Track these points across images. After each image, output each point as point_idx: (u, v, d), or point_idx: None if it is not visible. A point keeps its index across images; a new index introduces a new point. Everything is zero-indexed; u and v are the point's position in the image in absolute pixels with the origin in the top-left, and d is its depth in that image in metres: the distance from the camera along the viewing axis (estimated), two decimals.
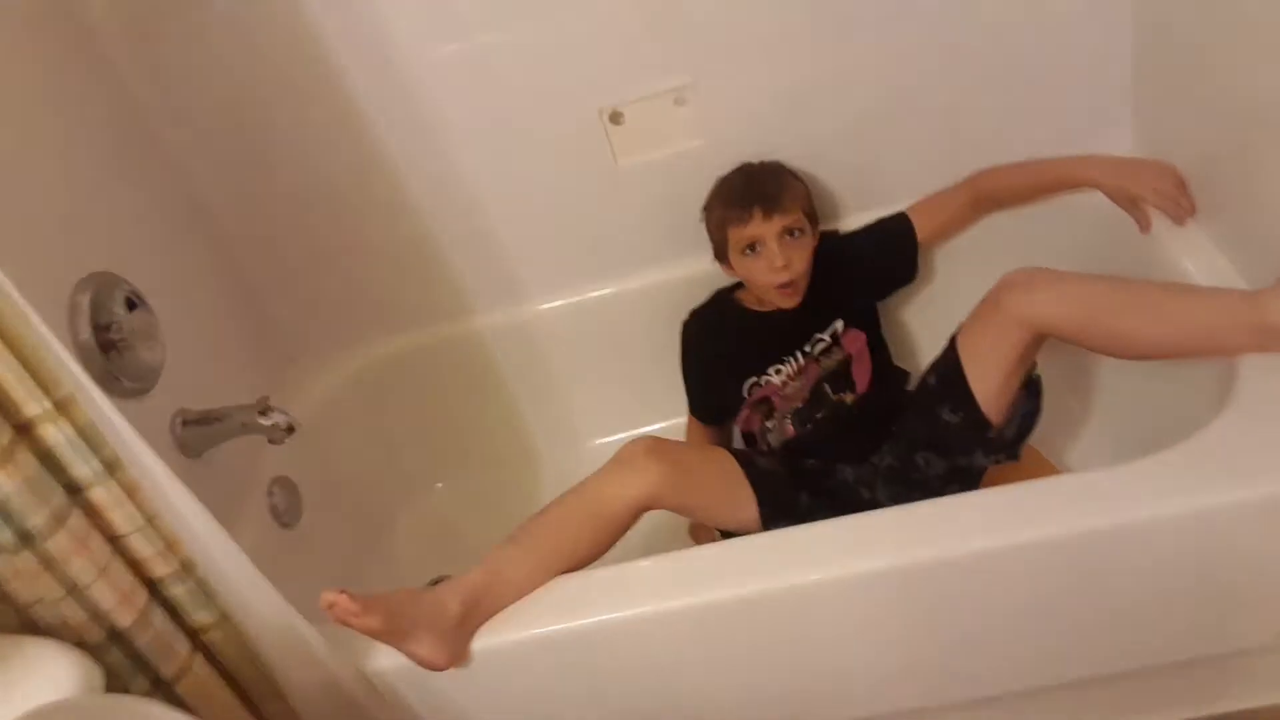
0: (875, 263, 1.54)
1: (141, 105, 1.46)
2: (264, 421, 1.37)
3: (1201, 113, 1.32)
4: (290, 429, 1.38)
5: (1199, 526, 1.04)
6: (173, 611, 1.03)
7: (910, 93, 1.50)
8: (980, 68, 1.47)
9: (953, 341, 1.29)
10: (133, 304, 1.33)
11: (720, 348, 1.54)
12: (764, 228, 1.40)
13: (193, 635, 1.05)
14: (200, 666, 1.03)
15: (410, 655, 1.06)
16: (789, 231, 1.42)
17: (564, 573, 1.14)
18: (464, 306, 1.69)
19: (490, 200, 1.57)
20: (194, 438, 1.37)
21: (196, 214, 1.55)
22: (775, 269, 1.41)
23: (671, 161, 1.54)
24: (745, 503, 1.27)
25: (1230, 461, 1.04)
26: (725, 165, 1.51)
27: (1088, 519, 1.04)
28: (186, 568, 1.03)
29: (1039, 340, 1.23)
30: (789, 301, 1.45)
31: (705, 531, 1.49)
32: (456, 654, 1.08)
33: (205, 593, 1.04)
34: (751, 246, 1.42)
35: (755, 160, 1.51)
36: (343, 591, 1.00)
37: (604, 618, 1.09)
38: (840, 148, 1.54)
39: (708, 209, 1.51)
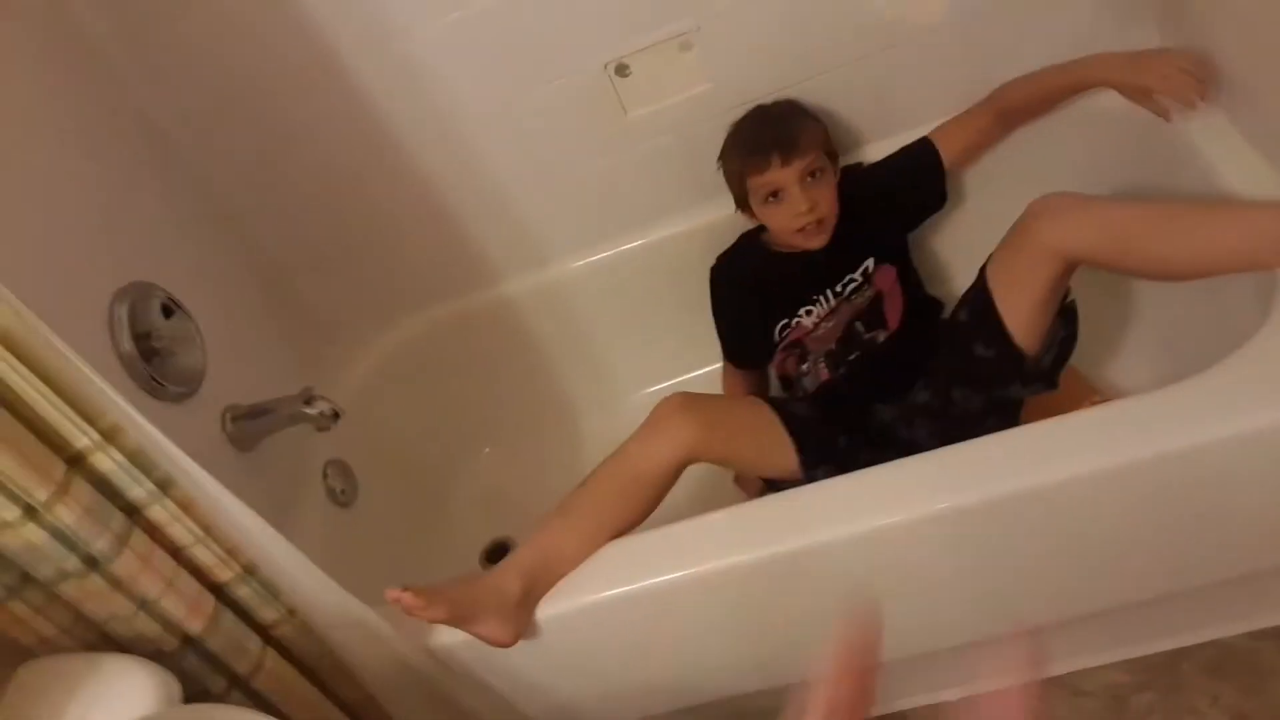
0: (902, 194, 1.50)
1: (149, 112, 1.47)
2: (310, 411, 1.40)
3: (1229, 8, 1.25)
4: (336, 415, 1.41)
5: (1245, 447, 1.02)
6: (241, 612, 1.07)
7: (928, 11, 1.43)
8: None
9: (982, 273, 1.27)
10: (168, 310, 1.36)
11: (749, 292, 1.53)
12: (783, 174, 1.37)
13: (263, 632, 1.10)
14: (273, 661, 1.08)
15: (478, 636, 1.10)
16: (810, 174, 1.38)
17: (616, 536, 1.17)
18: (491, 275, 1.69)
19: (505, 167, 1.57)
20: (245, 432, 1.41)
21: (219, 213, 1.57)
22: (800, 214, 1.38)
23: (682, 108, 1.51)
24: (784, 450, 1.27)
25: (1273, 378, 1.02)
26: (736, 106, 1.48)
27: (1132, 449, 1.02)
28: (249, 570, 1.07)
29: (1071, 268, 1.20)
30: (817, 243, 1.42)
31: (750, 481, 1.51)
32: (520, 630, 1.11)
33: (270, 591, 1.09)
34: (774, 194, 1.39)
35: (767, 100, 1.47)
36: (406, 589, 1.03)
37: (652, 581, 1.12)
38: (854, 74, 1.49)
39: (724, 158, 1.48)
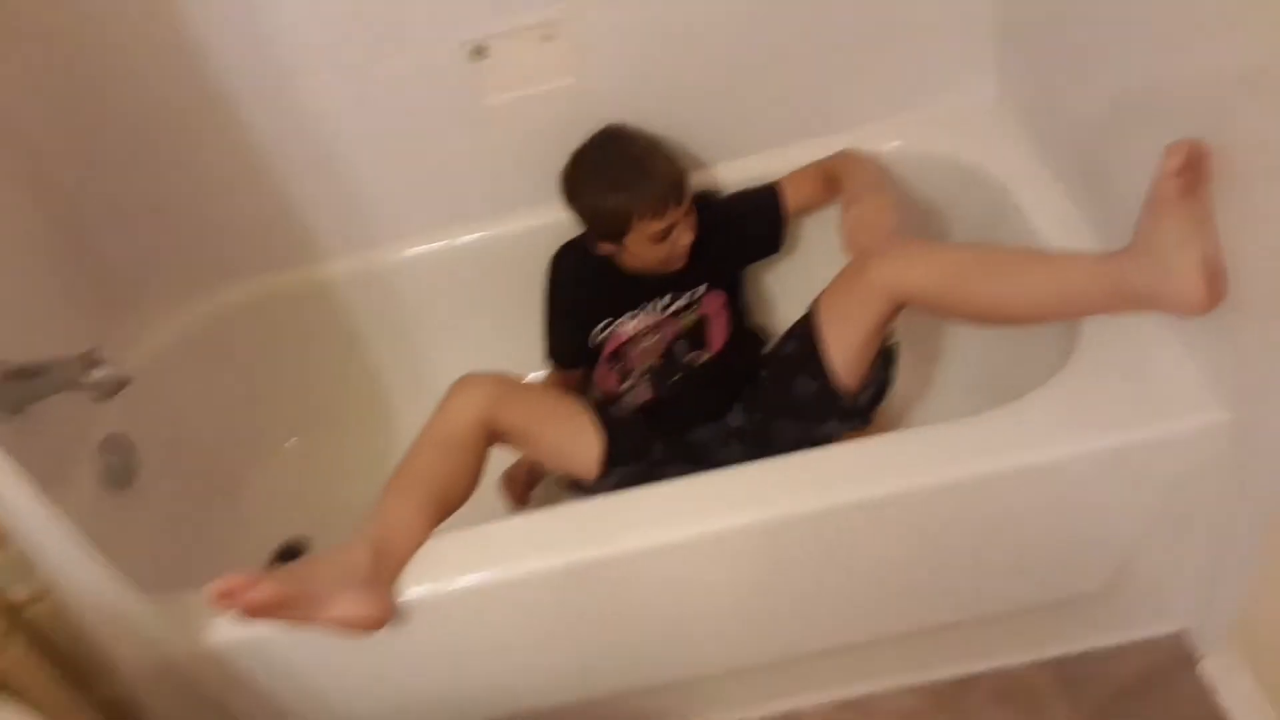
0: (744, 234, 1.52)
1: None
2: (89, 376, 1.26)
3: (1063, 69, 1.34)
4: (121, 384, 1.27)
5: (1034, 479, 1.09)
6: None
7: (782, 36, 1.47)
8: (856, 18, 1.46)
9: (812, 308, 1.30)
10: None
11: (582, 285, 1.51)
12: (676, 215, 1.37)
13: (9, 613, 0.96)
14: (18, 645, 0.95)
15: (339, 621, 0.99)
16: (688, 214, 1.40)
17: (447, 509, 1.15)
18: (318, 251, 1.59)
19: (345, 136, 1.47)
20: (12, 393, 1.24)
21: (15, 143, 1.39)
22: (683, 252, 1.40)
23: (540, 101, 1.47)
24: (589, 442, 1.28)
25: (1064, 417, 1.09)
26: (596, 105, 1.45)
27: (925, 474, 1.07)
28: (2, 538, 0.93)
29: (897, 309, 1.24)
30: (679, 266, 1.43)
31: (516, 482, 1.52)
32: (386, 606, 1.03)
33: (24, 565, 0.95)
34: (665, 235, 1.37)
35: (612, 124, 1.45)
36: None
37: (458, 585, 1.07)
38: (710, 92, 1.51)
39: (582, 195, 1.42)
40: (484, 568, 1.07)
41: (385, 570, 1.06)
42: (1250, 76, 0.94)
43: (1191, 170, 1.00)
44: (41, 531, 0.94)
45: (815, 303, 1.30)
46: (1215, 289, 1.01)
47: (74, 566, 0.96)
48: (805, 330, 1.29)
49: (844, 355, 1.26)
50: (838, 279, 1.29)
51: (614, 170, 1.39)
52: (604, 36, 1.43)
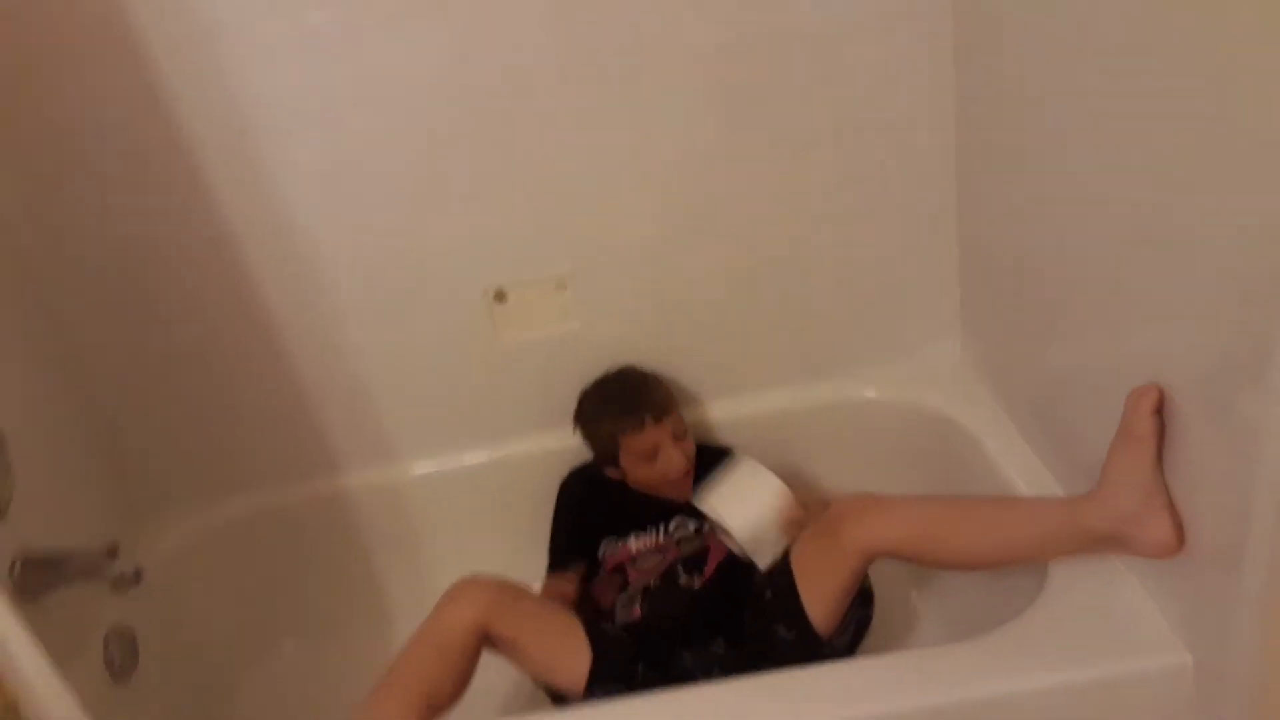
0: None
1: (24, 247, 1.47)
2: (110, 568, 1.33)
3: (1020, 334, 1.49)
4: (138, 576, 1.35)
5: (1004, 708, 1.12)
6: None
7: (767, 296, 1.65)
8: (834, 285, 1.65)
9: (786, 556, 1.33)
10: None
11: (589, 504, 1.62)
12: (658, 432, 1.52)
13: None
14: None
15: None
16: (678, 434, 1.55)
17: (435, 711, 1.17)
18: (334, 465, 1.70)
19: (370, 361, 1.62)
20: (33, 580, 1.30)
21: (61, 347, 1.53)
22: (678, 467, 1.53)
23: (550, 341, 1.63)
24: (578, 656, 1.29)
25: (1035, 651, 1.14)
26: (599, 347, 1.62)
27: (899, 699, 1.11)
28: (9, 709, 0.97)
29: (872, 560, 1.27)
30: (685, 493, 1.54)
31: None
32: None
33: None
34: (653, 454, 1.53)
35: (620, 364, 1.64)
36: None
37: None
38: (700, 341, 1.68)
39: (585, 422, 1.61)
40: None
41: None
42: (1189, 353, 1.04)
43: (1158, 413, 1.06)
44: (52, 706, 0.98)
45: (790, 552, 1.33)
46: (1181, 533, 1.06)
47: None
48: (782, 579, 1.31)
49: (822, 605, 1.27)
50: (812, 532, 1.32)
51: (607, 397, 1.59)
52: (608, 291, 1.62)
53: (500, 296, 1.60)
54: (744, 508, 1.38)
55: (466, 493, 1.71)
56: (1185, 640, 1.11)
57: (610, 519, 1.58)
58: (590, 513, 1.61)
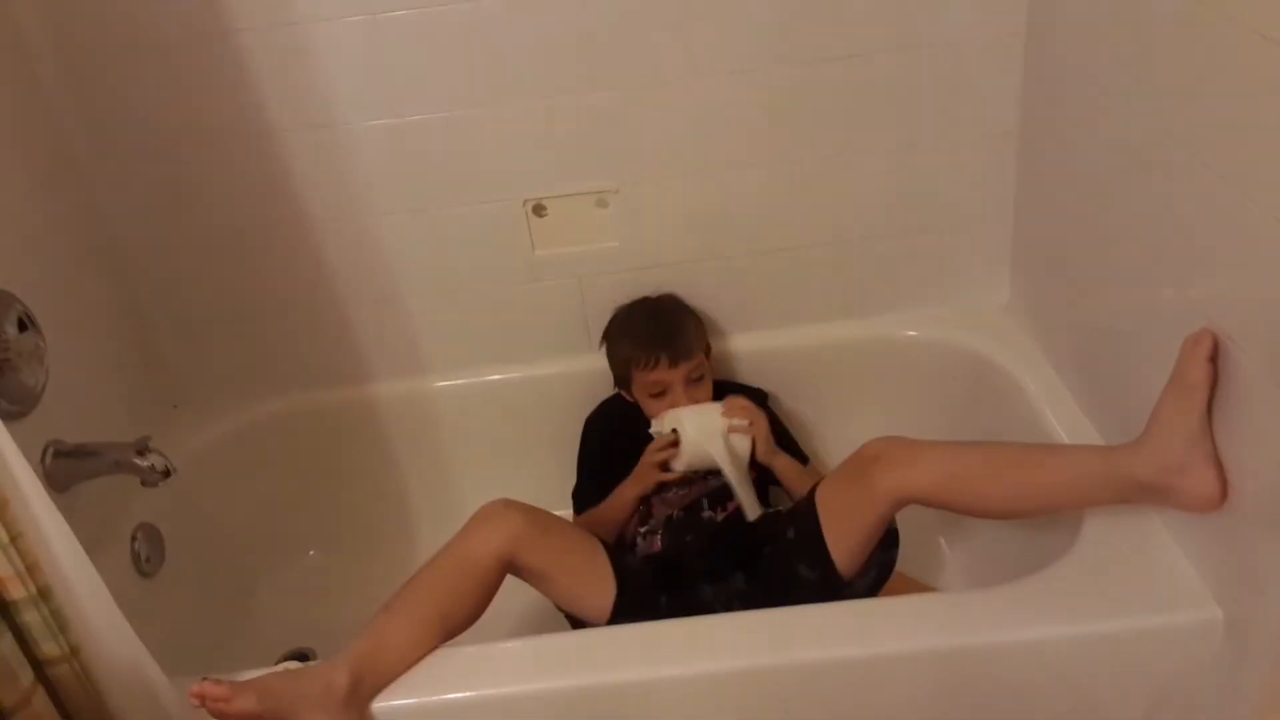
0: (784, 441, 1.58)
1: (67, 132, 1.46)
2: (140, 462, 1.34)
3: (1069, 283, 1.45)
4: (167, 472, 1.35)
5: (1035, 655, 1.12)
6: (21, 638, 0.97)
7: (814, 230, 1.61)
8: (882, 215, 1.60)
9: (815, 496, 1.29)
10: (23, 325, 1.30)
11: (618, 451, 1.57)
12: (670, 374, 1.49)
13: (38, 667, 0.99)
14: (41, 702, 0.97)
15: None
16: (692, 378, 1.51)
17: (447, 633, 1.15)
18: (363, 372, 1.69)
19: (404, 270, 1.60)
20: (63, 470, 1.32)
21: (103, 244, 1.54)
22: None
23: (587, 258, 1.60)
24: (604, 587, 1.27)
25: (1067, 600, 1.13)
26: (635, 268, 1.59)
27: (928, 638, 1.11)
28: (43, 594, 0.98)
29: (902, 506, 1.23)
30: None
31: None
32: None
33: (58, 623, 0.99)
34: (660, 392, 1.50)
35: (663, 291, 1.60)
36: (206, 679, 0.97)
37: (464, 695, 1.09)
38: (739, 268, 1.64)
39: (611, 344, 1.59)
40: (483, 686, 1.09)
41: (364, 692, 1.07)
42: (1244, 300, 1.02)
43: (1213, 361, 1.03)
44: (84, 594, 0.99)
45: (816, 490, 1.29)
46: (1225, 488, 1.05)
47: (108, 633, 1.00)
48: (807, 519, 1.28)
49: (846, 547, 1.24)
50: (840, 472, 1.28)
51: (632, 323, 1.56)
52: (650, 210, 1.58)
53: (539, 210, 1.57)
54: (692, 424, 1.46)
55: (496, 408, 1.70)
56: (1217, 595, 1.11)
57: (637, 455, 1.53)
58: (616, 452, 1.57)
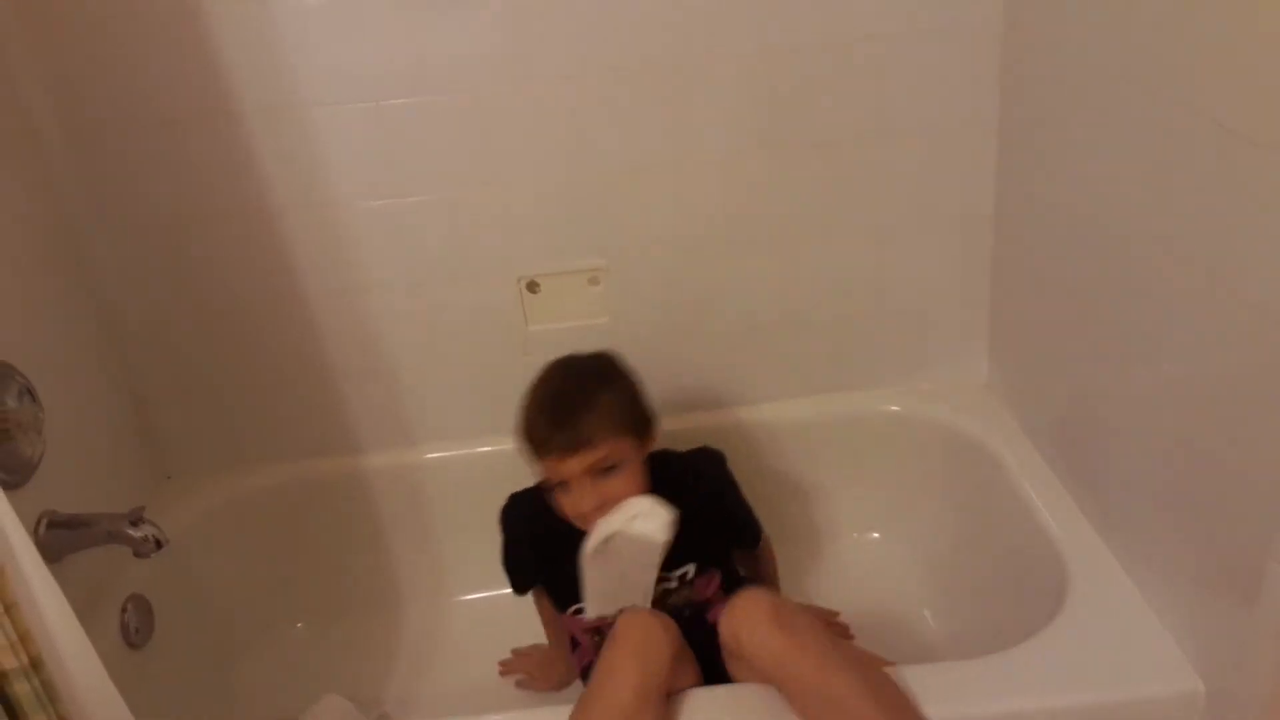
0: (728, 524, 1.45)
1: (69, 204, 1.49)
2: (134, 533, 1.34)
3: (1053, 355, 1.48)
4: (159, 543, 1.35)
5: None
6: (11, 711, 0.97)
7: (799, 311, 1.66)
8: (863, 295, 1.65)
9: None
10: (21, 396, 1.31)
11: (542, 558, 1.42)
12: (565, 466, 1.25)
13: None
14: None
15: None
16: (601, 469, 1.25)
17: None
18: (355, 444, 1.71)
19: (399, 343, 1.63)
20: (57, 540, 1.33)
21: (102, 317, 1.56)
22: (575, 509, 1.28)
23: (578, 333, 1.63)
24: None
25: (1051, 670, 1.15)
26: (627, 343, 1.60)
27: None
28: (35, 665, 0.98)
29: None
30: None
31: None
32: None
33: (49, 696, 0.99)
34: (562, 483, 1.28)
35: (572, 355, 1.38)
36: None
37: None
38: (728, 344, 1.68)
39: (518, 424, 1.32)
40: None
41: None
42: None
43: None
44: (75, 666, 0.99)
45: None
46: None
47: (99, 707, 1.00)
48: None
49: None
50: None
51: (532, 399, 1.32)
52: (640, 288, 1.62)
53: (533, 287, 1.61)
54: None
55: (486, 480, 1.69)
56: (1199, 668, 1.12)
57: (570, 581, 1.33)
58: (539, 571, 1.46)
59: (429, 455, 1.71)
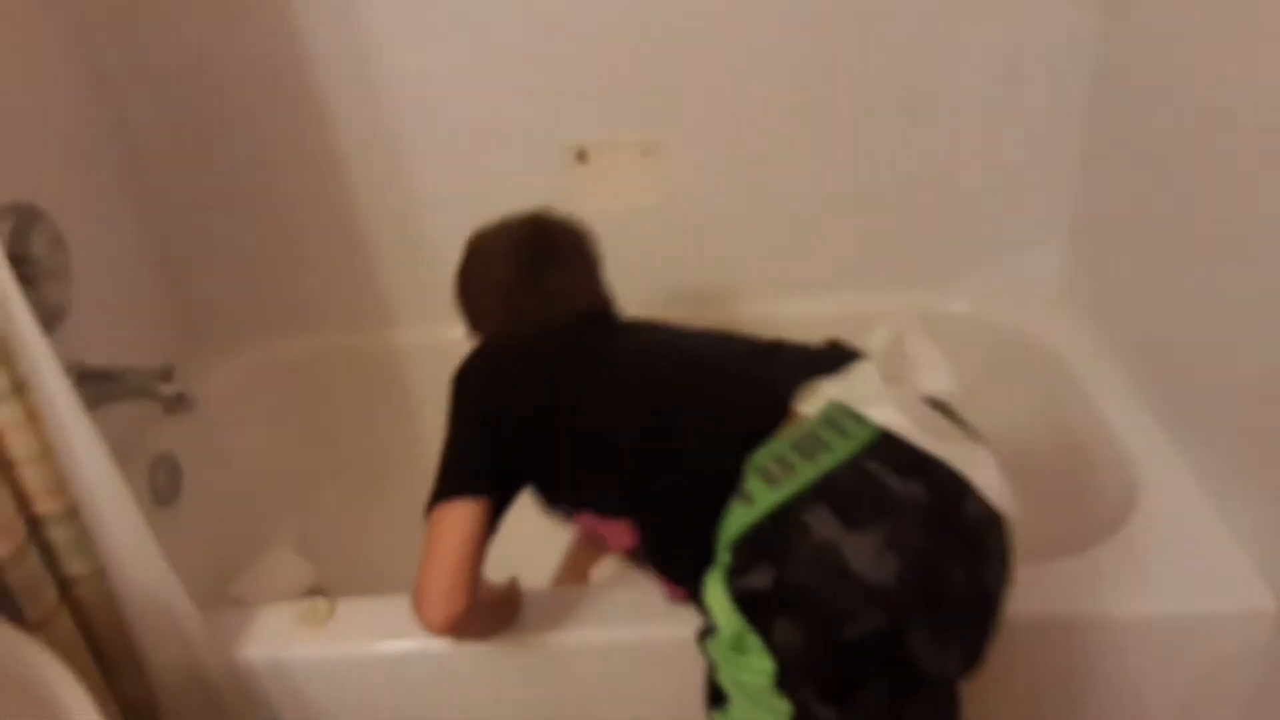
0: None
1: (103, 52, 1.42)
2: (164, 389, 1.30)
3: (1139, 250, 1.40)
4: (188, 403, 1.32)
5: (1081, 632, 1.10)
6: (49, 555, 0.94)
7: (866, 197, 1.57)
8: (941, 175, 1.55)
9: None
10: (51, 243, 1.26)
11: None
12: None
13: (63, 585, 0.96)
14: (64, 621, 0.95)
15: None
16: None
17: None
18: (391, 317, 1.66)
19: (439, 215, 1.56)
20: (86, 393, 1.27)
21: (136, 169, 1.50)
22: None
23: (626, 219, 1.54)
24: None
25: (1120, 579, 1.11)
26: (675, 227, 1.54)
27: None
28: (71, 511, 0.95)
29: None
30: None
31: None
32: None
33: (85, 541, 0.96)
34: None
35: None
36: None
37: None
38: (789, 229, 1.59)
39: (475, 285, 1.19)
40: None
41: None
42: None
43: None
44: (109, 511, 0.96)
45: None
46: None
47: (135, 553, 0.97)
48: None
49: None
50: None
51: (509, 248, 1.18)
52: (696, 165, 1.52)
53: (582, 156, 1.52)
54: None
55: None
56: (1273, 586, 1.09)
57: None
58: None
59: (461, 332, 1.64)
